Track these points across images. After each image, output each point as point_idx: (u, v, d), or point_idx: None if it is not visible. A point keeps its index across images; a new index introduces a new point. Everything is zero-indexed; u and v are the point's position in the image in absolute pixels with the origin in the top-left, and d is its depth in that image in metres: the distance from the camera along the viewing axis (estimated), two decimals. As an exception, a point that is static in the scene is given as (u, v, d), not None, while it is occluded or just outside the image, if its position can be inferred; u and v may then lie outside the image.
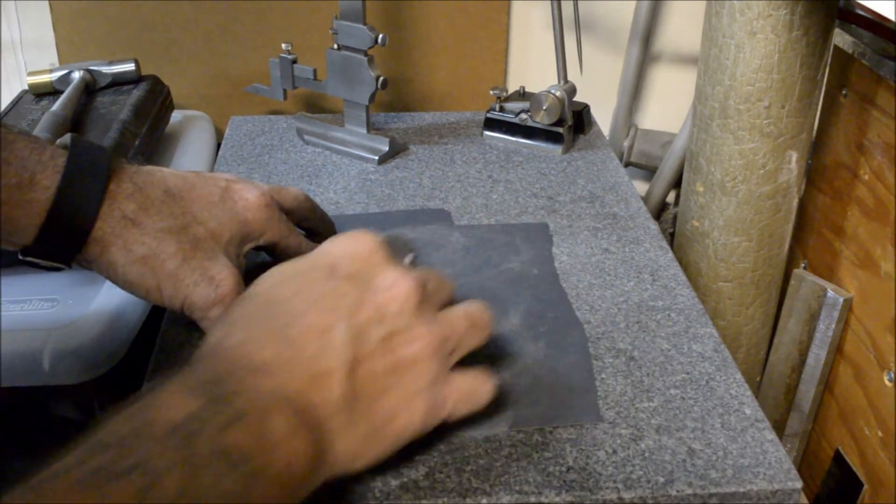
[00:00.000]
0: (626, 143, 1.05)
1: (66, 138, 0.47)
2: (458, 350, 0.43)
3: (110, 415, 0.33)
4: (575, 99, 0.86)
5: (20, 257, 0.47)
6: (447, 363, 0.43)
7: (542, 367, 0.52)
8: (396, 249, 0.60)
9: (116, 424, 0.32)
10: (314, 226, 0.61)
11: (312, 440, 0.36)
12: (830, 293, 0.82)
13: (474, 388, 0.44)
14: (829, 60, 0.76)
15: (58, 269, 0.48)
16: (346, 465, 0.39)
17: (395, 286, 0.42)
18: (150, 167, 0.51)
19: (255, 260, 0.57)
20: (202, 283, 0.48)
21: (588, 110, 0.90)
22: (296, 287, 0.41)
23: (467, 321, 0.44)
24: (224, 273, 0.49)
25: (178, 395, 0.34)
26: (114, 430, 0.32)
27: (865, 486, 0.78)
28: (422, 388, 0.41)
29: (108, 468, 0.30)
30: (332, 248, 0.44)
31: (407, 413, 0.40)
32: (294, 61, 0.82)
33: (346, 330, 0.39)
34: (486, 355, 0.51)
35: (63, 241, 0.46)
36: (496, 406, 0.48)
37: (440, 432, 0.44)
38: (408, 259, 0.62)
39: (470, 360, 0.45)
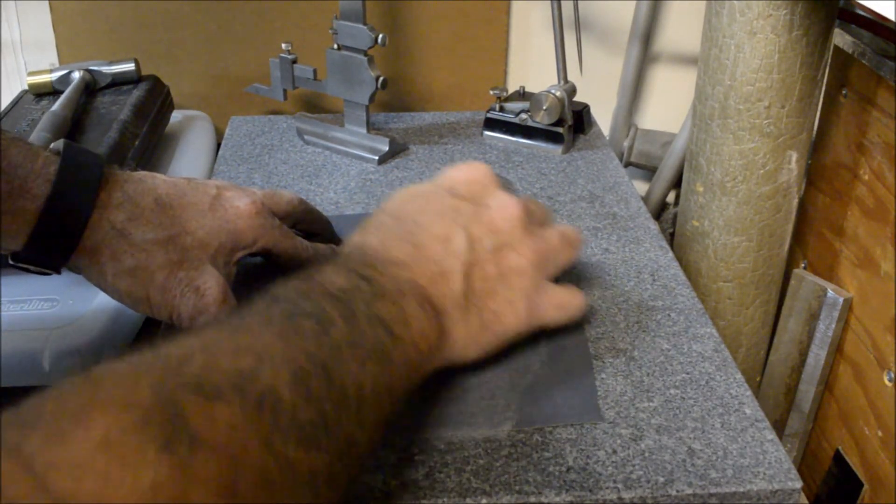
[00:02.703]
0: (626, 143, 1.05)
1: (59, 144, 0.47)
2: (555, 263, 0.51)
3: (277, 284, 0.39)
4: (575, 99, 0.86)
5: (10, 262, 0.47)
6: (545, 274, 0.50)
7: (543, 367, 0.52)
8: (505, 183, 0.63)
9: (286, 289, 0.39)
10: (310, 228, 0.60)
11: (437, 322, 0.43)
12: (830, 293, 0.82)
13: (568, 299, 0.52)
14: (829, 60, 0.76)
15: (47, 274, 0.48)
16: (460, 353, 0.46)
17: (505, 206, 0.49)
18: (142, 173, 0.51)
19: (255, 261, 0.57)
20: (188, 293, 0.48)
21: (588, 110, 0.90)
22: (422, 203, 0.49)
23: (562, 239, 0.51)
24: (210, 283, 0.49)
25: (335, 274, 0.41)
26: (286, 292, 0.39)
27: (865, 486, 0.78)
28: (524, 294, 0.48)
29: (292, 311, 0.37)
30: (452, 173, 0.51)
31: (511, 313, 0.47)
32: (294, 61, 0.82)
33: (463, 239, 0.46)
34: (486, 357, 0.50)
35: (52, 250, 0.46)
36: (497, 407, 0.48)
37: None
38: (512, 190, 0.65)
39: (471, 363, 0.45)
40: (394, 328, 0.40)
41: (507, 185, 0.69)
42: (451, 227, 0.47)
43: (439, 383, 0.48)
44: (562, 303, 0.51)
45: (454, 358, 0.46)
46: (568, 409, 0.48)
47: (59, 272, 0.48)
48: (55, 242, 0.46)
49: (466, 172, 0.51)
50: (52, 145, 0.48)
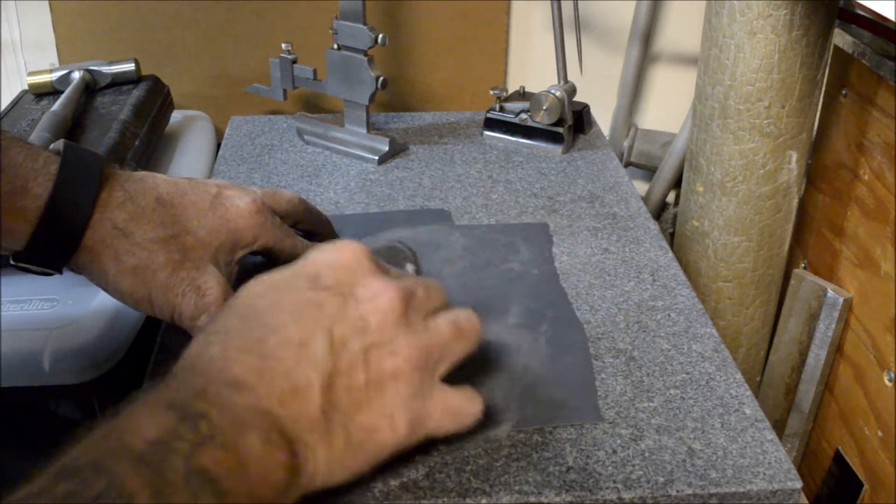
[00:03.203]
0: (626, 143, 1.05)
1: (59, 144, 0.47)
2: (445, 360, 0.42)
3: (82, 435, 0.32)
4: (575, 99, 0.86)
5: (11, 263, 0.47)
6: (433, 375, 0.42)
7: (543, 367, 0.52)
8: (396, 258, 0.59)
9: (88, 446, 0.32)
10: (311, 227, 0.61)
11: (289, 456, 0.36)
12: (830, 293, 0.82)
13: (461, 405, 0.43)
14: (829, 60, 0.76)
15: (48, 275, 0.48)
16: (324, 480, 0.38)
17: (378, 297, 0.41)
18: (142, 173, 0.51)
19: (255, 261, 0.57)
20: (189, 293, 0.48)
21: (588, 110, 0.90)
22: (276, 298, 0.41)
23: (454, 329, 0.43)
24: (210, 282, 0.49)
25: (151, 414, 0.33)
26: (85, 452, 0.31)
27: (865, 486, 0.78)
28: (404, 402, 0.40)
29: (79, 493, 0.29)
30: (317, 257, 0.43)
31: (388, 427, 0.40)
32: (294, 61, 0.82)
33: (324, 342, 0.39)
34: (486, 356, 0.51)
35: (53, 249, 0.46)
36: (497, 407, 0.48)
37: (427, 446, 0.44)
38: (410, 268, 0.60)
39: (470, 363, 0.44)
40: (222, 483, 0.33)
41: (402, 259, 0.60)
42: (310, 328, 0.39)
43: None
44: (455, 409, 0.43)
45: (318, 486, 0.38)
46: (567, 409, 0.48)
47: (60, 272, 0.48)
48: (57, 241, 0.46)
49: (333, 256, 0.42)
50: (51, 146, 0.48)
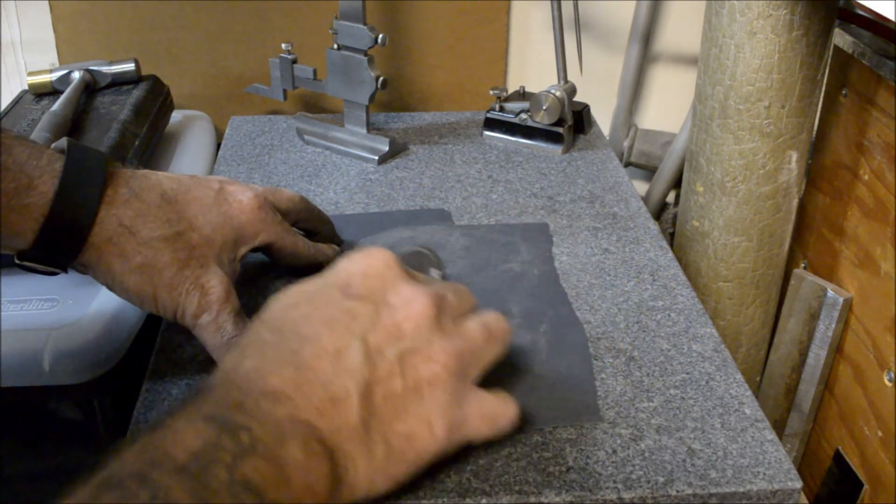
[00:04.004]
0: (626, 143, 1.05)
1: (62, 142, 0.47)
2: (478, 364, 0.42)
3: (123, 447, 0.32)
4: (575, 99, 0.86)
5: (16, 262, 0.47)
6: (467, 379, 0.42)
7: (543, 367, 0.52)
8: (421, 264, 0.58)
9: (129, 458, 0.32)
10: (311, 226, 0.61)
11: (330, 466, 0.36)
12: (830, 293, 0.82)
13: (497, 410, 0.43)
14: (829, 60, 0.76)
15: (54, 274, 0.48)
16: (366, 490, 0.38)
17: (410, 303, 0.41)
18: (145, 171, 0.51)
19: (255, 260, 0.57)
20: (193, 291, 0.48)
21: (588, 110, 0.90)
22: (308, 309, 0.40)
23: (485, 333, 0.43)
24: (213, 281, 0.49)
25: (191, 426, 0.33)
26: (126, 464, 0.31)
27: (865, 486, 0.78)
28: (441, 408, 0.40)
29: None
30: (346, 265, 0.42)
31: (427, 434, 0.39)
32: (294, 61, 0.82)
33: (360, 351, 0.39)
34: None
35: (60, 246, 0.46)
36: None
37: (464, 453, 0.44)
38: (436, 273, 0.58)
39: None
40: (266, 493, 0.32)
41: (429, 265, 0.59)
42: (344, 337, 0.39)
43: None
44: (490, 413, 0.43)
45: (359, 497, 0.38)
46: (567, 410, 0.48)
47: (66, 271, 0.48)
48: (63, 239, 0.46)
49: (363, 264, 0.42)
50: (54, 144, 0.48)
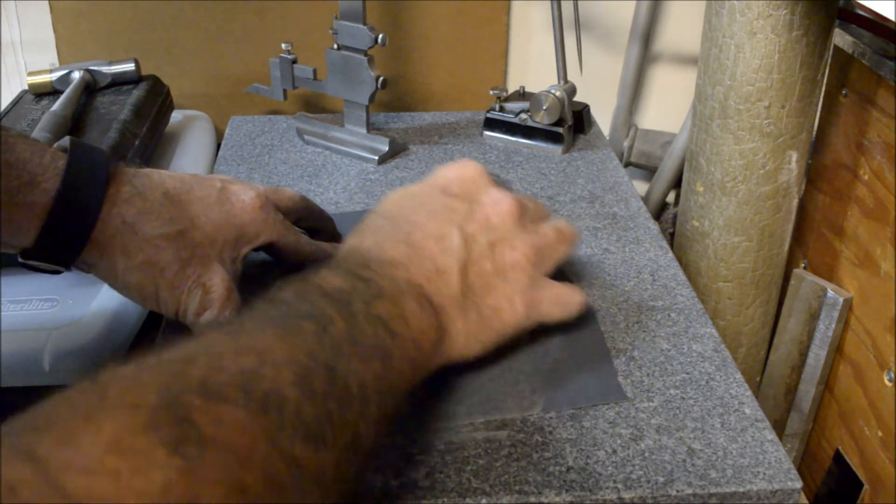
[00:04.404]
0: (626, 143, 1.05)
1: (65, 141, 0.47)
2: (551, 258, 0.51)
3: (274, 288, 0.39)
4: (575, 99, 0.86)
5: (20, 261, 0.47)
6: (542, 270, 0.50)
7: (561, 351, 0.52)
8: (500, 184, 0.63)
9: (284, 291, 0.39)
10: (313, 224, 0.61)
11: (436, 319, 0.44)
12: (830, 293, 0.82)
13: (567, 295, 0.51)
14: (829, 60, 0.76)
15: (57, 273, 0.48)
16: (461, 350, 0.46)
17: (499, 203, 0.49)
18: (147, 169, 0.51)
19: (256, 260, 0.57)
20: (195, 289, 0.49)
21: (588, 110, 0.90)
22: (416, 202, 0.49)
23: (558, 234, 0.51)
24: (215, 280, 0.49)
25: (332, 274, 0.41)
26: (283, 294, 0.39)
27: (865, 486, 0.78)
28: (521, 289, 0.48)
29: (291, 312, 0.37)
30: (444, 172, 0.51)
31: (510, 308, 0.47)
32: (294, 61, 0.82)
33: (458, 236, 0.47)
34: (507, 343, 0.50)
35: (63, 244, 0.46)
36: (525, 391, 0.49)
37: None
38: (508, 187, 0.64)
39: (493, 350, 0.49)
40: (394, 327, 0.40)
41: (501, 182, 0.69)
42: (446, 226, 0.47)
43: (458, 374, 0.49)
44: (561, 299, 0.51)
45: (455, 355, 0.46)
46: (592, 390, 0.49)
47: (69, 269, 0.48)
48: (66, 236, 0.46)
49: (459, 171, 0.51)
50: (56, 143, 0.48)
